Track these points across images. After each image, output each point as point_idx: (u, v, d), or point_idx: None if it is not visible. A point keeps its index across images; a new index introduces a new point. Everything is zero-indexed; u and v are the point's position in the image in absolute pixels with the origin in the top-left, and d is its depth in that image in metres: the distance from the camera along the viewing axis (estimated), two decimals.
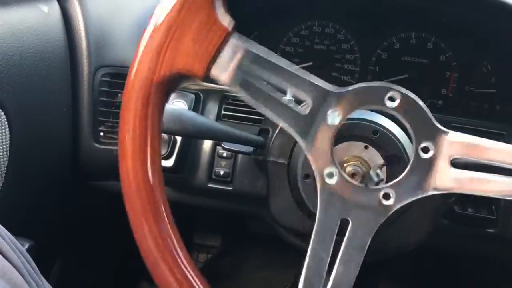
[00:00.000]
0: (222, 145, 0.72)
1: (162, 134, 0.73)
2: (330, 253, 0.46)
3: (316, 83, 0.47)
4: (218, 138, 0.67)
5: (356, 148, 0.54)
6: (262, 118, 0.75)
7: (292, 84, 0.47)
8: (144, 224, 0.49)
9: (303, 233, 0.64)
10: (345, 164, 0.53)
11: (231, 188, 0.77)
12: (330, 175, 0.47)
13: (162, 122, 0.50)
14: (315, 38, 0.91)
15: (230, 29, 0.47)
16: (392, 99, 0.46)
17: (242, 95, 0.48)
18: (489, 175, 0.46)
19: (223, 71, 0.47)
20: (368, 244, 0.46)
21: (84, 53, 0.81)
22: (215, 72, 0.47)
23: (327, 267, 0.46)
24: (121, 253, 1.17)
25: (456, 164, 0.46)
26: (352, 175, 0.52)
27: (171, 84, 0.48)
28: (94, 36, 0.81)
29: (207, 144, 0.78)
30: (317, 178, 0.47)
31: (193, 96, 0.79)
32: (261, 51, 0.47)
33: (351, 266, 0.46)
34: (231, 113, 0.80)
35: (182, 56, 0.46)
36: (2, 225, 0.50)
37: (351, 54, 0.91)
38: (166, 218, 0.49)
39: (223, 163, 0.77)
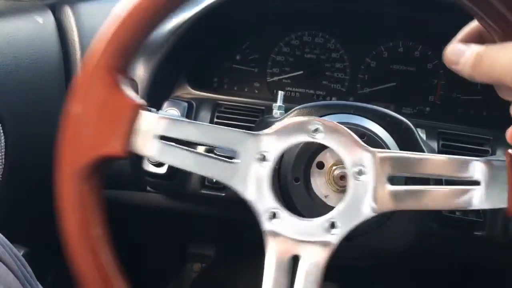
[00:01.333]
0: (215, 151, 0.72)
1: None
2: None
3: (237, 131, 0.47)
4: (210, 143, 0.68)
5: None
6: (254, 126, 0.77)
7: (212, 135, 0.47)
8: None
9: None
10: (333, 167, 0.54)
11: (223, 194, 0.77)
12: (272, 215, 0.47)
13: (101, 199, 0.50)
14: (305, 48, 0.93)
15: (138, 103, 0.47)
16: (316, 131, 0.46)
17: (167, 160, 0.48)
18: (426, 187, 0.45)
19: (143, 145, 0.47)
20: (322, 276, 0.46)
21: (78, 63, 0.82)
22: (135, 147, 0.47)
23: None
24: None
25: (395, 180, 0.46)
26: (341, 178, 0.54)
27: (97, 169, 0.48)
28: (88, 46, 0.83)
29: (200, 151, 0.79)
30: (261, 221, 0.47)
31: (186, 104, 0.80)
32: (174, 116, 0.48)
33: None
34: (223, 121, 0.81)
35: (99, 142, 0.47)
36: None
37: (341, 63, 0.93)
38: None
39: None
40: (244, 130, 0.47)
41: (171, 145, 0.47)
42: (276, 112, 0.70)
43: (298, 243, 0.46)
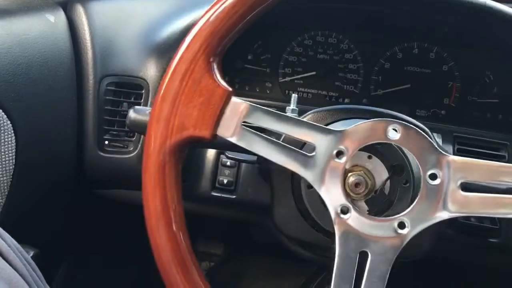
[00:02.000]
0: (226, 153, 0.72)
1: None
2: (353, 285, 0.48)
3: (317, 125, 0.50)
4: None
5: (359, 158, 0.54)
6: None
7: (295, 128, 0.50)
8: (176, 276, 0.52)
9: (306, 242, 0.64)
10: (348, 174, 0.53)
11: (234, 196, 0.77)
12: (344, 210, 0.49)
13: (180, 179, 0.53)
14: (318, 48, 0.92)
15: (230, 90, 0.50)
16: (394, 132, 0.49)
17: (249, 147, 0.51)
18: (499, 196, 0.47)
19: (228, 130, 0.50)
20: (388, 273, 0.48)
21: (90, 62, 0.81)
22: (221, 131, 0.50)
23: None
24: (124, 260, 1.17)
25: (467, 187, 0.47)
26: (356, 185, 0.52)
27: (182, 148, 0.51)
28: (100, 45, 0.82)
29: (210, 153, 0.78)
30: (332, 214, 0.49)
31: None
32: (259, 105, 0.51)
33: None
34: None
35: (189, 123, 0.50)
36: (8, 233, 0.50)
37: (354, 64, 0.92)
38: (193, 267, 0.52)
39: (227, 172, 0.77)
40: (324, 126, 0.50)
41: (253, 132, 0.50)
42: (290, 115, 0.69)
43: (367, 240, 0.48)
